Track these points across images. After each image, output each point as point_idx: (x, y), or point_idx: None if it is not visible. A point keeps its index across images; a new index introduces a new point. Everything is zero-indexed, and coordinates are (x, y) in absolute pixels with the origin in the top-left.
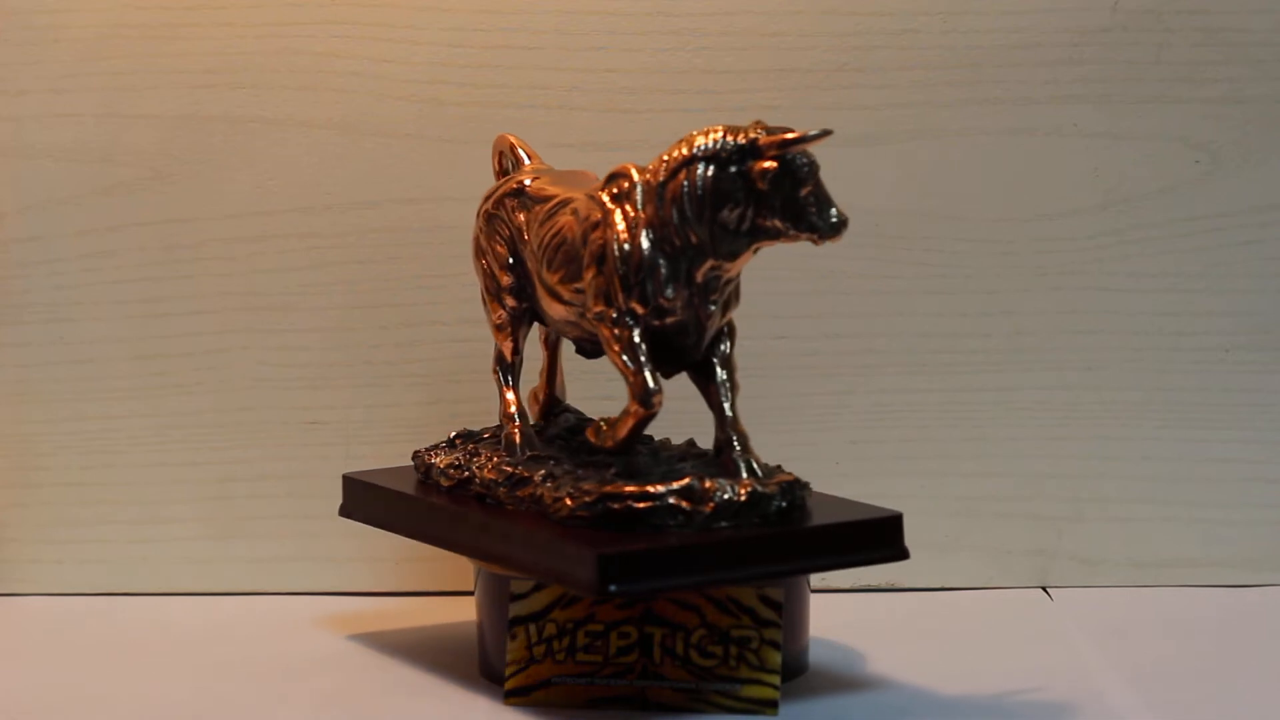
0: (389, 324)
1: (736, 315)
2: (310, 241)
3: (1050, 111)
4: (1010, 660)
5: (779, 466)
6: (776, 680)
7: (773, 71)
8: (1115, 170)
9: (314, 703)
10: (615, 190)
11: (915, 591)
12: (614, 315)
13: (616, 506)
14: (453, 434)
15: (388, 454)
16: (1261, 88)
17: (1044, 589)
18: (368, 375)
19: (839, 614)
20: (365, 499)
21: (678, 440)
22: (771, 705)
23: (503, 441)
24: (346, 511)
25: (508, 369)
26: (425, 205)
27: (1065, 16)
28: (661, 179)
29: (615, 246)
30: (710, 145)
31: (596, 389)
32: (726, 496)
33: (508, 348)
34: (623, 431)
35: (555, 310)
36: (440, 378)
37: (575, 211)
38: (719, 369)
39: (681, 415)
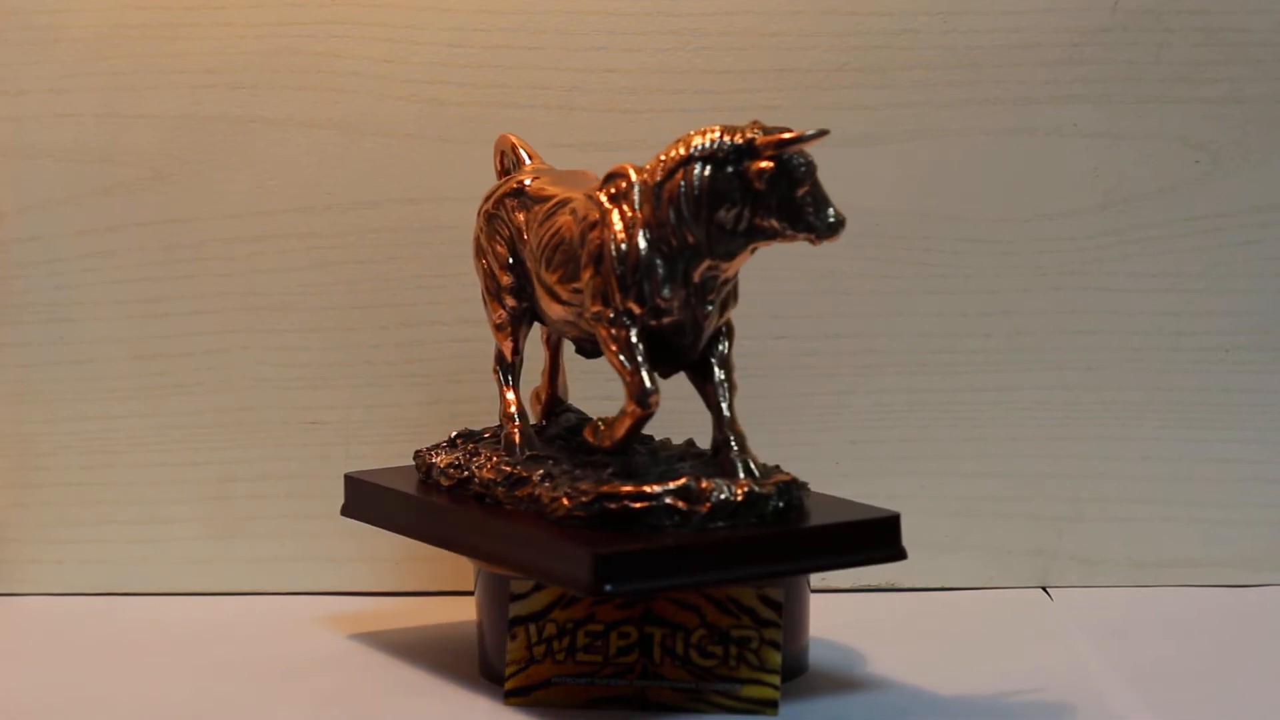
0: (389, 324)
1: (736, 315)
2: (310, 241)
3: (1050, 111)
4: (1010, 660)
5: (777, 467)
6: (776, 680)
7: (773, 71)
8: (1115, 170)
9: (314, 703)
10: (613, 190)
11: (915, 591)
12: (611, 315)
13: (613, 506)
14: (453, 434)
15: (388, 454)
16: (1261, 88)
17: (1044, 589)
18: (368, 375)
19: (839, 614)
20: (367, 498)
21: (678, 440)
22: (771, 705)
23: (502, 441)
24: (348, 511)
25: (508, 369)
26: (425, 205)
27: (1065, 16)
28: (659, 179)
29: (612, 246)
30: (707, 145)
31: (596, 389)
32: (723, 497)
33: (508, 347)
34: (620, 431)
35: (554, 310)
36: (440, 378)
37: (574, 211)
38: (717, 369)
39: (681, 415)
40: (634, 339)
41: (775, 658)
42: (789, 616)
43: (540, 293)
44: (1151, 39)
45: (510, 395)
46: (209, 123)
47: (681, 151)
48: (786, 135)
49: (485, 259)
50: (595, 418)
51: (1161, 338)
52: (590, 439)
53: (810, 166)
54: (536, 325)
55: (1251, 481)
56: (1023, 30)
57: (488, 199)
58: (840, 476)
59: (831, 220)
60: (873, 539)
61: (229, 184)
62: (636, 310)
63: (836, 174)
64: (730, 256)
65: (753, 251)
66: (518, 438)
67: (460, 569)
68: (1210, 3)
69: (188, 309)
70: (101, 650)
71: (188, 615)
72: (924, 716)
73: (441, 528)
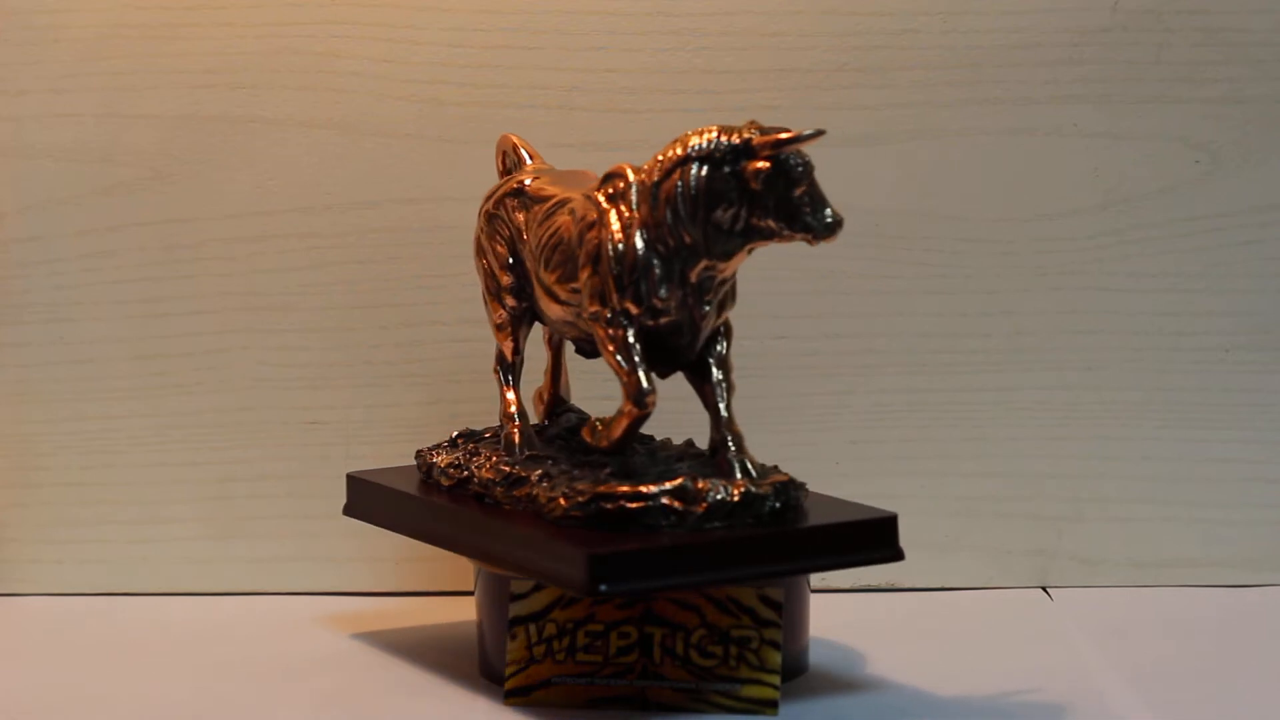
0: (389, 324)
1: (735, 315)
2: (310, 241)
3: (1050, 111)
4: (1010, 660)
5: (775, 467)
6: (776, 680)
7: (773, 71)
8: (1115, 170)
9: (314, 703)
10: (611, 190)
11: (915, 591)
12: (608, 315)
13: (609, 506)
14: (454, 433)
15: (388, 454)
16: (1261, 88)
17: (1044, 589)
18: (368, 375)
19: (839, 614)
20: (368, 498)
21: (679, 441)
22: (771, 705)
23: (502, 441)
24: (350, 510)
25: (508, 369)
26: (425, 205)
27: (1065, 16)
28: (656, 179)
29: (610, 246)
30: (704, 145)
31: (596, 389)
32: (719, 497)
33: (508, 347)
34: (617, 431)
35: (553, 310)
36: (440, 378)
37: (572, 212)
38: (715, 369)
39: (681, 415)
40: (631, 339)
41: (775, 658)
42: (789, 616)
43: (539, 293)
44: (1151, 39)
45: (510, 395)
46: (209, 123)
47: (679, 151)
48: (783, 135)
49: (485, 259)
50: (593, 418)
51: (1161, 338)
52: (588, 439)
53: (807, 166)
54: (538, 325)
55: (1251, 481)
56: (1023, 30)
57: (488, 199)
58: (840, 476)
59: (829, 220)
60: (870, 540)
61: (229, 184)
62: (633, 310)
63: (836, 174)
64: (727, 257)
65: (750, 252)
66: (517, 438)
67: (460, 569)
68: (1210, 3)
69: (188, 309)
70: (101, 650)
71: (188, 615)
72: (924, 717)
73: (441, 527)
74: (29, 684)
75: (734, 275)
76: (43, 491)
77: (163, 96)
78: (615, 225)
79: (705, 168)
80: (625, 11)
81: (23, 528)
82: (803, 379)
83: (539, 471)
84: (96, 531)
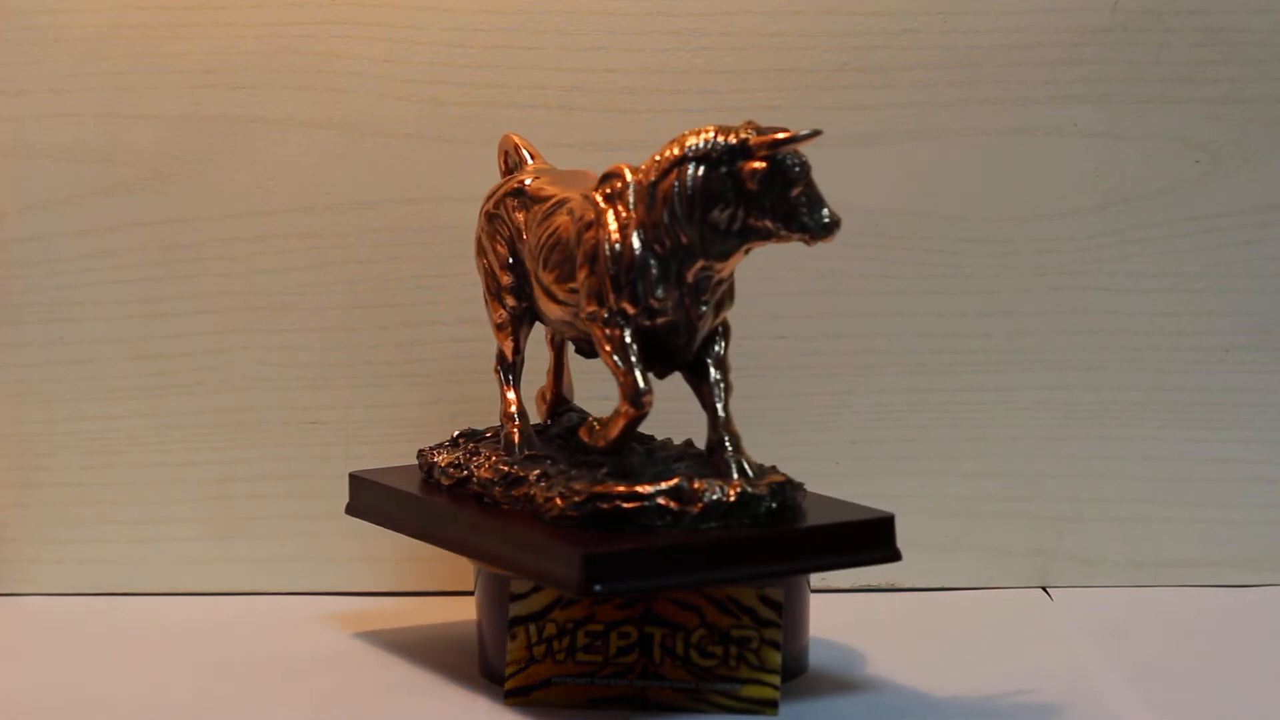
0: (389, 324)
1: (735, 315)
2: (310, 241)
3: (1050, 111)
4: (1010, 660)
5: (773, 467)
6: (776, 680)
7: (773, 71)
8: (1115, 170)
9: (314, 703)
10: (608, 190)
11: (915, 591)
12: (605, 315)
13: (605, 506)
14: (456, 433)
15: (388, 454)
16: (1261, 88)
17: (1044, 589)
18: (368, 375)
19: (839, 614)
20: (370, 497)
21: (679, 441)
22: (771, 705)
23: (502, 441)
24: (353, 510)
25: (509, 368)
26: (425, 205)
27: (1065, 16)
28: (653, 179)
29: (607, 247)
30: (701, 145)
31: (597, 389)
32: (715, 497)
33: (508, 347)
34: (614, 432)
35: (551, 310)
36: (440, 378)
37: (571, 212)
38: (712, 369)
39: (680, 416)
40: (628, 339)
41: (775, 658)
42: (789, 616)
43: (538, 293)
44: (1151, 39)
45: (511, 395)
46: (209, 123)
47: (676, 151)
48: (779, 135)
49: (486, 258)
50: (591, 418)
51: (1161, 338)
52: (585, 439)
53: (804, 167)
54: (540, 325)
55: (1251, 481)
56: (1023, 30)
57: (489, 198)
58: (840, 476)
59: (826, 221)
60: (867, 540)
61: (229, 184)
62: (630, 310)
63: (836, 174)
64: (724, 257)
65: (747, 252)
66: (517, 437)
67: (460, 569)
68: (1210, 3)
69: (188, 309)
70: (101, 650)
71: (188, 615)
72: (924, 717)
73: (441, 527)
74: (29, 684)
75: (731, 275)
76: (43, 491)
77: (163, 96)
78: (612, 225)
79: (702, 168)
80: (625, 11)
81: (23, 528)
82: (803, 379)
83: (537, 471)
84: (96, 531)
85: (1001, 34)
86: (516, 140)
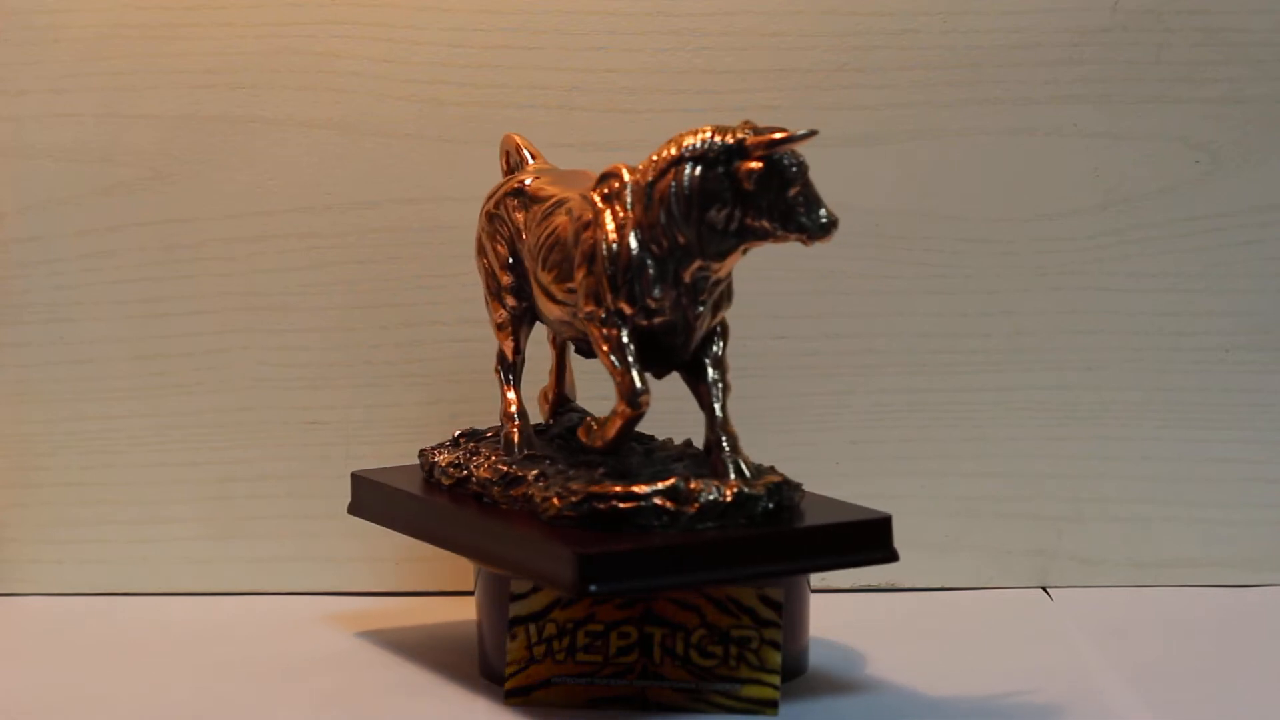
0: (389, 324)
1: (735, 315)
2: (310, 241)
3: (1050, 111)
4: (1010, 660)
5: (771, 468)
6: (776, 680)
7: (773, 71)
8: (1115, 170)
9: (314, 703)
10: (606, 190)
11: (915, 591)
12: (603, 315)
13: (601, 506)
14: (457, 433)
15: (388, 454)
16: (1261, 88)
17: (1044, 589)
18: (368, 375)
19: (839, 614)
20: (371, 497)
21: (679, 441)
22: (771, 705)
23: (501, 441)
24: (355, 509)
25: (509, 368)
26: (425, 205)
27: (1065, 16)
28: (650, 179)
29: (604, 247)
30: (698, 145)
31: (597, 389)
32: (712, 497)
33: (509, 347)
34: (611, 432)
35: (550, 310)
36: (440, 378)
37: (569, 212)
38: (710, 369)
39: (679, 416)
40: (625, 339)
41: (775, 658)
42: (789, 616)
43: (537, 292)
44: (1151, 39)
45: (511, 395)
46: (209, 123)
47: (673, 152)
48: (776, 135)
49: (486, 258)
50: (589, 417)
51: (1161, 338)
52: (583, 439)
53: (801, 167)
54: (541, 325)
55: (1251, 481)
56: (1023, 30)
57: (489, 198)
58: (840, 476)
59: (823, 221)
60: (864, 541)
61: (229, 184)
62: (627, 310)
63: (836, 174)
64: (721, 257)
65: (744, 252)
66: (516, 437)
67: (460, 569)
68: (1210, 3)
69: (188, 309)
70: (101, 650)
71: (188, 615)
72: (924, 717)
73: (441, 527)
74: (29, 684)
75: (729, 276)
76: (43, 491)
77: (163, 96)
78: (610, 225)
79: (699, 168)
80: (625, 11)
81: (23, 528)
82: (803, 379)
83: (535, 471)
84: (96, 531)
85: (1001, 34)
86: (518, 140)
